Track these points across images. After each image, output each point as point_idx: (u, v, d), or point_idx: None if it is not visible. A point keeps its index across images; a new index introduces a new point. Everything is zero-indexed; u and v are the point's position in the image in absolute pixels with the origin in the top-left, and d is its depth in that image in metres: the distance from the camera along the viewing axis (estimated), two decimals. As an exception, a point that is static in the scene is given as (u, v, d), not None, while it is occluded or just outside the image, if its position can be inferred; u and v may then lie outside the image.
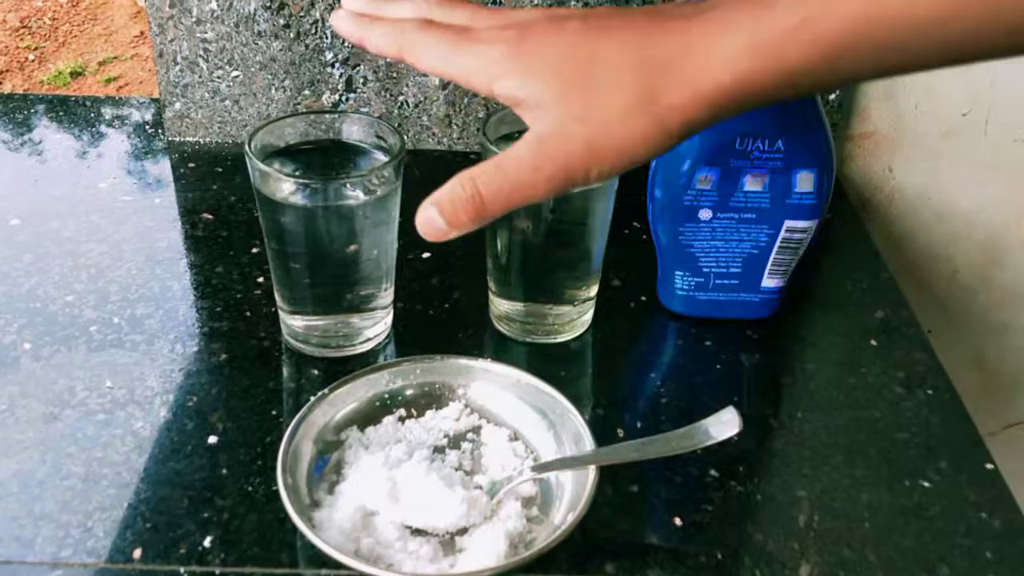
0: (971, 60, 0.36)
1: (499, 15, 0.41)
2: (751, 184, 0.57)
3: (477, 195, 0.38)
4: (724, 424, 0.49)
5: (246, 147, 0.53)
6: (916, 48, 0.35)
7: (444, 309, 0.64)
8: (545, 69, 0.37)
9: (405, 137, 0.62)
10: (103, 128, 0.86)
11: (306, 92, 0.81)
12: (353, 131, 0.58)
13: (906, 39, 0.35)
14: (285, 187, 0.53)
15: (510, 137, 0.56)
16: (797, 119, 0.55)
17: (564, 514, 0.47)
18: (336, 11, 0.44)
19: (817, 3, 0.35)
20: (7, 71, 2.74)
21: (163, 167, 0.80)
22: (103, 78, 2.74)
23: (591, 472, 0.47)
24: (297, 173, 0.54)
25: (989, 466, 0.53)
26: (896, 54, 0.36)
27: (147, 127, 0.86)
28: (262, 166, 0.52)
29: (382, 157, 0.56)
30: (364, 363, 0.58)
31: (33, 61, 2.79)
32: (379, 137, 0.57)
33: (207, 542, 0.46)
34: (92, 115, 0.88)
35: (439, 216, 0.39)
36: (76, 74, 2.75)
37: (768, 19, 0.36)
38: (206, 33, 0.78)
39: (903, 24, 0.35)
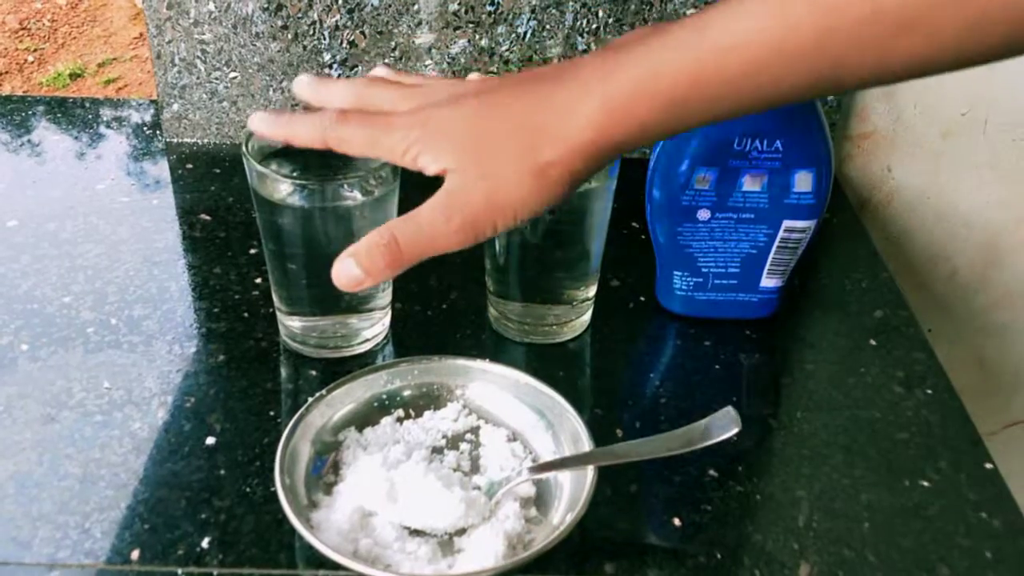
0: (794, 97, 0.40)
1: (414, 97, 0.45)
2: (749, 184, 0.57)
3: (394, 242, 0.42)
4: (723, 424, 0.49)
5: (244, 148, 0.53)
6: (749, 91, 0.39)
7: (442, 310, 0.64)
8: (449, 144, 0.43)
9: (403, 137, 0.61)
10: (101, 129, 0.86)
11: (304, 93, 0.80)
12: (351, 131, 0.57)
13: (735, 87, 0.39)
14: (283, 188, 0.53)
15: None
16: (796, 119, 0.55)
17: (563, 514, 0.47)
18: (253, 116, 0.48)
19: (648, 65, 0.40)
20: (6, 73, 2.74)
21: (161, 168, 0.80)
22: (102, 80, 2.74)
23: (590, 472, 0.47)
24: (295, 174, 0.54)
25: (988, 466, 0.53)
26: (732, 100, 0.40)
27: (145, 128, 0.86)
28: (260, 167, 0.52)
29: (380, 157, 0.56)
30: (362, 364, 0.58)
31: (32, 63, 2.79)
32: (377, 137, 0.57)
33: (205, 543, 0.46)
34: (90, 117, 0.88)
35: (356, 265, 0.43)
36: (75, 76, 2.75)
37: (613, 81, 0.41)
38: (204, 35, 0.78)
39: (728, 75, 0.39)
